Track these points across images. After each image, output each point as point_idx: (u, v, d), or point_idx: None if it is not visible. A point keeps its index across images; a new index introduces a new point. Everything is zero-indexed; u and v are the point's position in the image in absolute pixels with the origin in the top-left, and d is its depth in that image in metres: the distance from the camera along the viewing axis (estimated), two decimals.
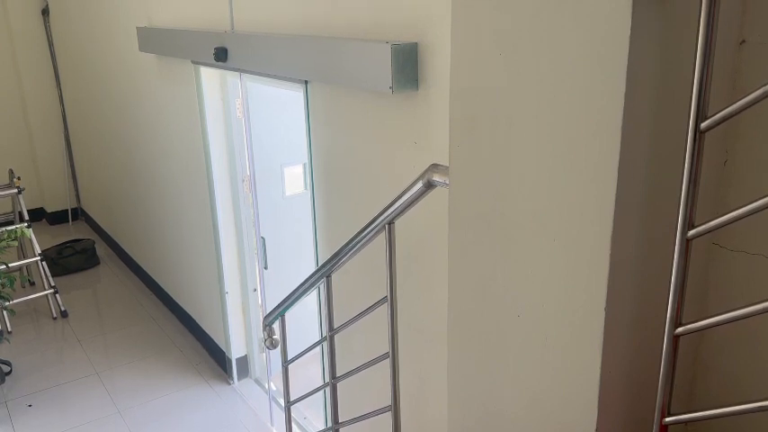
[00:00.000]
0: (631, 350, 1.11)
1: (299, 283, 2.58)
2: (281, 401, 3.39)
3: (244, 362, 4.60)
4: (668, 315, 0.94)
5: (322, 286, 2.35)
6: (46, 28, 7.14)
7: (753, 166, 1.08)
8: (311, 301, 3.38)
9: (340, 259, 2.18)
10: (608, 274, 1.01)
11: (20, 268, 5.74)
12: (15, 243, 5.26)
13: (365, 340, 2.94)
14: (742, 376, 1.15)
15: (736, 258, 1.11)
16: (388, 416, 2.08)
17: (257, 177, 4.13)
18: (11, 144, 7.29)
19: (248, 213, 4.27)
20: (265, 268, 4.15)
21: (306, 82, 2.89)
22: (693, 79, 0.85)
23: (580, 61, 1.00)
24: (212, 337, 4.75)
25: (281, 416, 4.05)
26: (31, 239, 5.35)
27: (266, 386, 4.52)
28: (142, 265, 6.11)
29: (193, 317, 5.06)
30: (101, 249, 6.85)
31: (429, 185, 1.66)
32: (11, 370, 4.75)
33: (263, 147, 4.09)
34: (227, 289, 4.37)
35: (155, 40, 4.36)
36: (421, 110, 2.26)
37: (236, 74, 3.76)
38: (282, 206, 4.25)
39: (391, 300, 1.96)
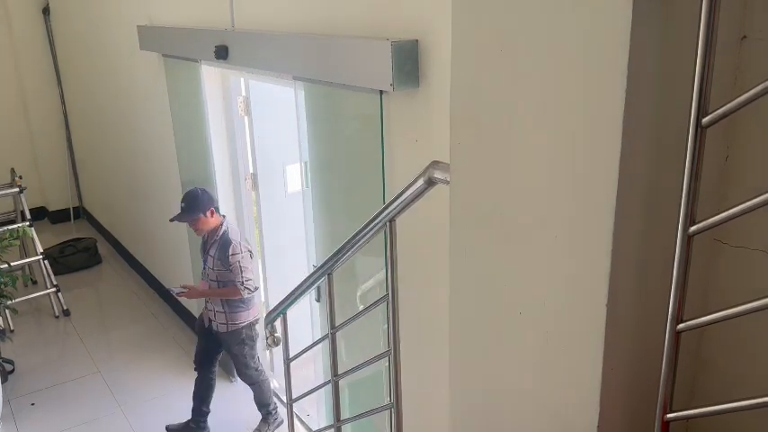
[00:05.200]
0: (633, 347, 1.11)
1: (300, 282, 2.58)
2: (284, 399, 3.39)
3: None
4: (670, 311, 0.94)
5: (323, 284, 2.35)
6: (47, 27, 7.14)
7: (754, 162, 1.08)
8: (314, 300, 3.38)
9: (341, 257, 2.18)
10: (609, 270, 1.01)
11: (22, 267, 5.74)
12: (17, 242, 5.27)
13: (367, 338, 2.95)
14: (743, 375, 1.15)
15: (738, 254, 1.11)
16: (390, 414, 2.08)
17: (259, 175, 4.13)
18: (12, 143, 7.29)
19: (250, 211, 4.27)
20: (317, 300, 3.39)
21: (307, 79, 2.89)
22: (694, 75, 0.85)
23: (581, 57, 0.99)
24: None
25: (283, 413, 4.06)
26: (32, 238, 5.35)
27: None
28: (144, 264, 6.12)
29: (195, 315, 5.06)
30: (102, 248, 6.86)
31: (430, 183, 1.66)
32: (13, 368, 4.76)
33: (266, 145, 4.08)
34: None
35: (156, 39, 4.36)
36: (422, 107, 2.26)
37: (237, 72, 3.76)
38: (285, 204, 4.25)
39: (392, 297, 1.96)
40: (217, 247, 3.62)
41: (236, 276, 3.60)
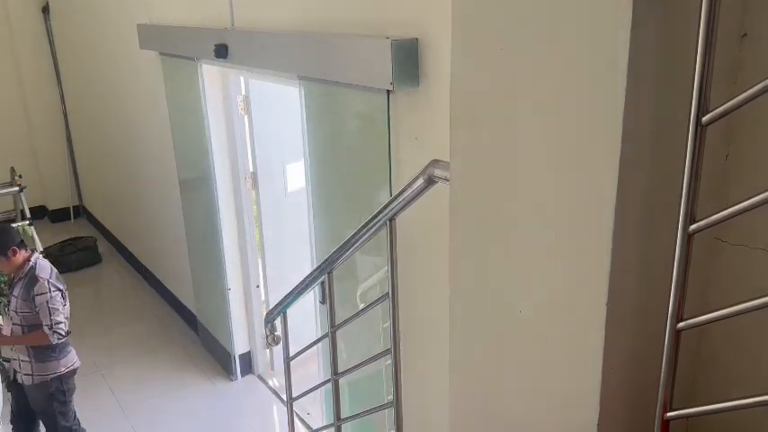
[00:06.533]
0: (633, 346, 1.10)
1: (300, 280, 2.58)
2: (284, 397, 3.40)
3: (247, 358, 4.60)
4: (670, 310, 0.94)
5: (325, 284, 2.35)
6: (46, 25, 7.14)
7: (754, 161, 1.08)
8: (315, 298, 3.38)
9: (341, 255, 2.18)
10: (609, 269, 1.01)
11: None
12: None
13: (368, 337, 2.94)
14: (743, 374, 1.15)
15: (738, 253, 1.11)
16: (390, 412, 2.08)
17: (259, 174, 4.13)
18: (12, 142, 7.29)
19: (250, 210, 4.27)
20: (322, 302, 3.33)
21: (306, 78, 2.88)
22: (695, 73, 0.84)
23: (581, 56, 0.99)
24: (215, 333, 4.76)
25: (284, 412, 4.06)
26: (32, 237, 5.34)
27: (269, 382, 4.53)
28: (144, 263, 6.12)
29: (196, 314, 5.06)
30: (102, 247, 6.86)
31: (430, 181, 1.67)
32: None
33: (266, 144, 4.08)
34: (229, 286, 4.37)
35: (155, 38, 4.36)
36: (422, 105, 2.25)
37: (237, 70, 3.76)
38: (285, 203, 4.25)
39: (393, 296, 1.96)
40: (21, 286, 3.24)
41: (43, 319, 3.20)
